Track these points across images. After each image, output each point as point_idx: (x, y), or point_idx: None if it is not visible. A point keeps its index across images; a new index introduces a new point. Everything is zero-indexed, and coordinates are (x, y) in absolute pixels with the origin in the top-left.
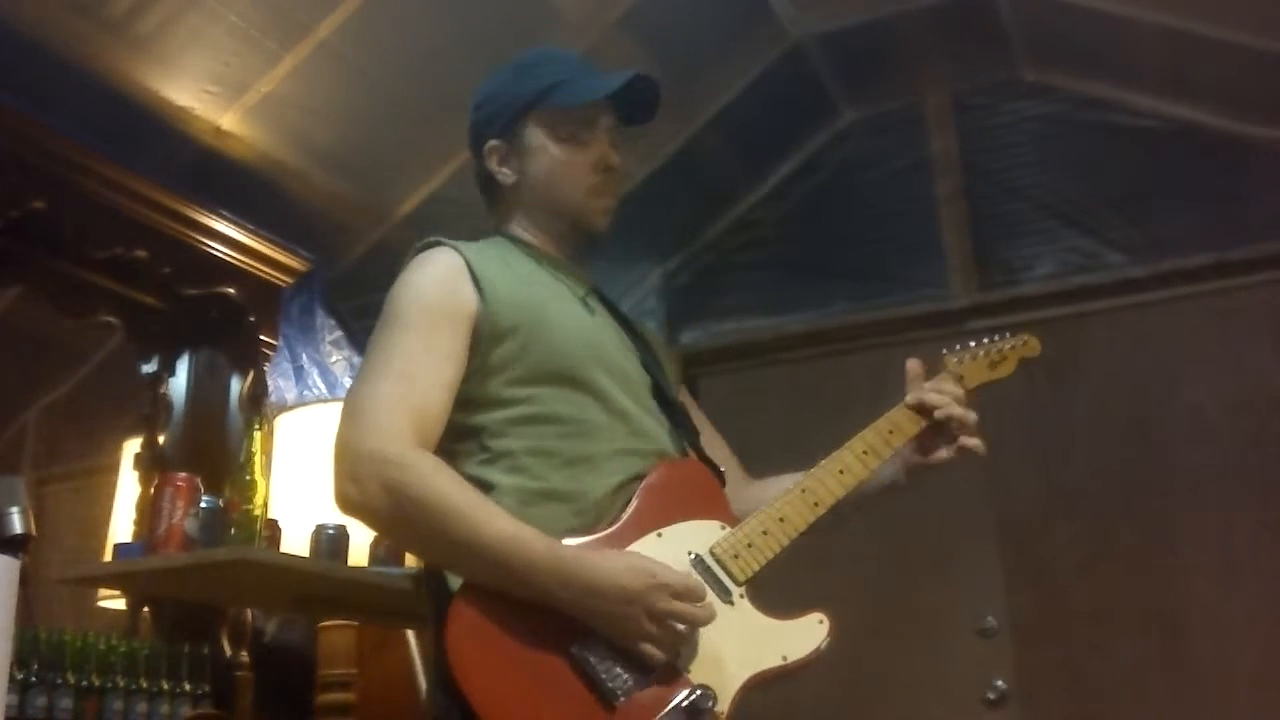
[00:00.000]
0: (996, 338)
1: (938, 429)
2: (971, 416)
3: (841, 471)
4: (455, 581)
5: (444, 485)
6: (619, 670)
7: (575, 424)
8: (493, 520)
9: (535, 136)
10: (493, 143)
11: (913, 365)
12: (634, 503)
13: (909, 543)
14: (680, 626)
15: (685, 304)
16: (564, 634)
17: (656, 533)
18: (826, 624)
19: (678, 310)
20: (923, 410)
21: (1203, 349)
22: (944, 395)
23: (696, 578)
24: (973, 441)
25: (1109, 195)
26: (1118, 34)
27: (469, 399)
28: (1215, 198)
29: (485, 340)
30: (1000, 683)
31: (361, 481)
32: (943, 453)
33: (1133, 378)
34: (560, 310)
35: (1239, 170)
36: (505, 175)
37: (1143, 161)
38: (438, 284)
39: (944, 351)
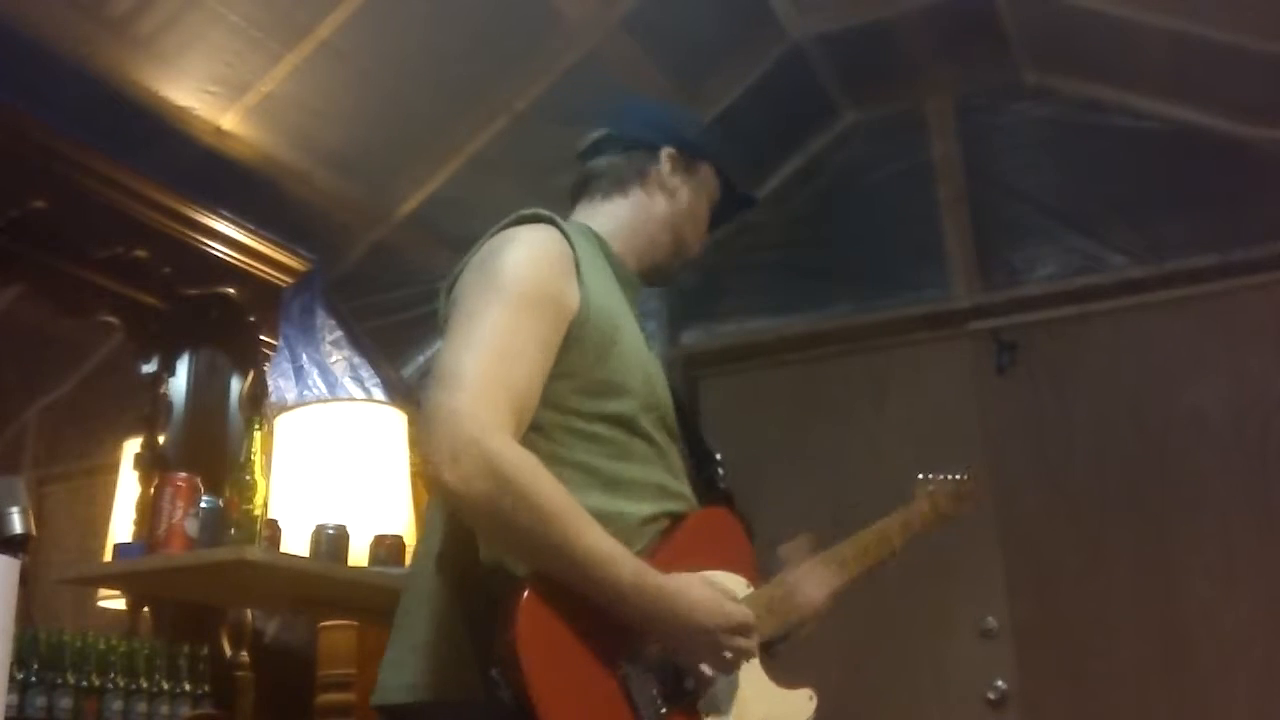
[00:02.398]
0: (959, 476)
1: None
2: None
3: (842, 564)
4: (508, 562)
5: (546, 488)
6: (659, 701)
7: (619, 448)
8: (587, 532)
9: (705, 180)
10: (674, 151)
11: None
12: (673, 538)
13: (911, 543)
14: (734, 660)
15: (687, 305)
16: (619, 647)
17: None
18: (814, 702)
19: (680, 311)
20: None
21: (1205, 351)
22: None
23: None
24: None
25: (1111, 197)
26: (1119, 36)
27: None
28: (1217, 199)
29: (570, 342)
30: (1001, 683)
31: (460, 463)
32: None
33: (1134, 379)
34: (631, 335)
35: (1240, 172)
36: (676, 185)
37: (1144, 163)
38: (550, 270)
39: (920, 477)
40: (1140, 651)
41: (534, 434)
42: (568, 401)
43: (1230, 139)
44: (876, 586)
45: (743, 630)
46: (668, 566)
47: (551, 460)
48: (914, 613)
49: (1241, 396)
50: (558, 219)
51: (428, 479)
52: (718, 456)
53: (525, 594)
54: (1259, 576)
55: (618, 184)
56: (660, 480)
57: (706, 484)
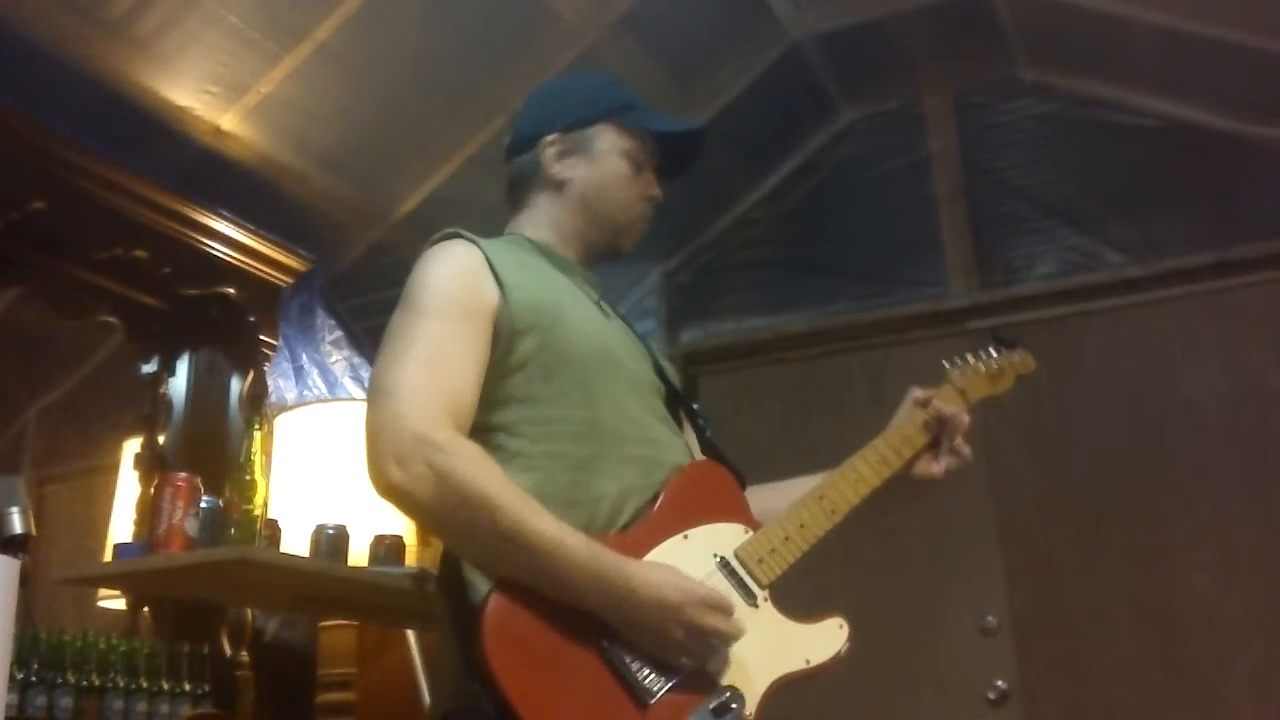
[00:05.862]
0: (995, 353)
1: (935, 445)
2: (967, 451)
3: (857, 480)
4: (475, 577)
5: (491, 475)
6: (650, 670)
7: (586, 426)
8: (537, 517)
9: (605, 143)
10: (553, 136)
11: (917, 391)
12: (659, 503)
13: (910, 541)
14: (714, 641)
15: (685, 303)
16: (596, 631)
17: (682, 535)
18: (846, 628)
19: (677, 309)
20: (930, 426)
21: (1202, 348)
22: (954, 416)
23: (733, 597)
24: (957, 460)
25: (1108, 194)
26: (1116, 33)
27: (485, 396)
28: (1214, 197)
29: (504, 338)
30: (1001, 682)
31: (406, 464)
32: (933, 467)
33: (1132, 376)
34: (577, 313)
35: (1237, 169)
36: (560, 170)
37: (1141, 161)
38: (460, 276)
39: (946, 365)
40: (1139, 646)
41: (502, 434)
42: (520, 393)
43: (1227, 136)
44: (876, 585)
45: (714, 606)
46: (660, 530)
47: (520, 455)
48: (913, 610)
49: (1238, 392)
50: (465, 232)
51: (378, 487)
52: (694, 406)
53: (490, 600)
54: (1257, 570)
55: (520, 191)
56: (634, 450)
57: (700, 439)
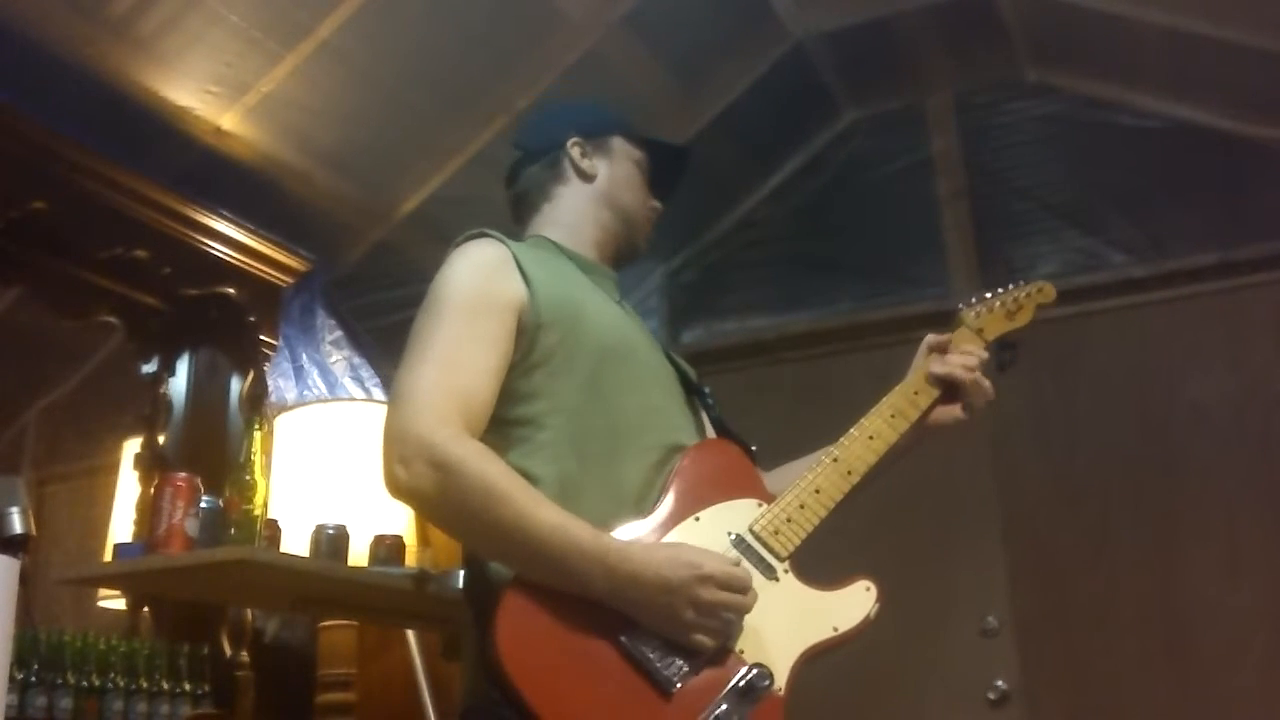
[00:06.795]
0: (1011, 286)
1: (952, 391)
2: (985, 384)
3: (872, 438)
4: (498, 575)
5: (492, 469)
6: (671, 657)
7: (609, 417)
8: (540, 507)
9: (619, 150)
10: (576, 139)
11: (931, 336)
12: (669, 490)
13: (912, 542)
14: (727, 615)
15: (688, 303)
16: (613, 625)
17: (694, 517)
18: (874, 590)
19: (681, 309)
20: (942, 379)
21: (1206, 348)
22: (963, 363)
23: (743, 567)
24: (977, 405)
25: (1111, 195)
26: (1120, 33)
27: (511, 391)
28: (1218, 197)
29: (529, 331)
30: (1001, 682)
31: (409, 463)
32: (946, 415)
33: (1136, 377)
34: (597, 309)
35: (1242, 170)
36: (588, 166)
37: (1145, 161)
38: (484, 272)
39: (960, 307)
40: (1143, 647)
41: (528, 427)
42: (545, 386)
43: (1231, 136)
44: (876, 583)
45: (722, 581)
46: (671, 516)
47: (546, 447)
48: (914, 611)
49: (1243, 392)
50: (492, 231)
51: (387, 489)
52: (706, 390)
53: (503, 604)
54: (1262, 570)
55: (543, 191)
56: (657, 438)
57: (709, 417)
